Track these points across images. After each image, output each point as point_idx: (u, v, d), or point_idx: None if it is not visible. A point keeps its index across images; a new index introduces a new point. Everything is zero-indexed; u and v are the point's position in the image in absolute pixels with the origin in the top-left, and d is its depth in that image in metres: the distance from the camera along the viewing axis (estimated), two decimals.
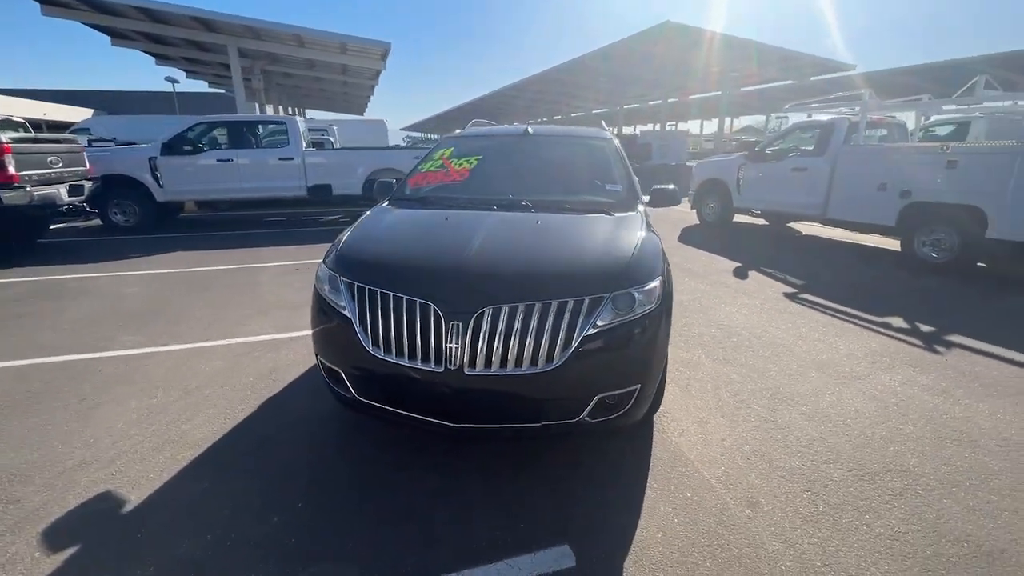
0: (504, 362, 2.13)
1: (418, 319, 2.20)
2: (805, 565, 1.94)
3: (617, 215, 2.98)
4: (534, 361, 2.13)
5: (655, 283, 2.37)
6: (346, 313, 2.38)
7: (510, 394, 2.17)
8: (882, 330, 4.38)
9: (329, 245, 2.88)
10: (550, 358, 2.13)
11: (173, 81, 27.49)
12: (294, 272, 6.28)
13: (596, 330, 2.17)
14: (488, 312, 2.14)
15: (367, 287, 2.35)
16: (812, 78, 25.83)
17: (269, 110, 21.63)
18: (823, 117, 8.23)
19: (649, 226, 2.91)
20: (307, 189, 9.38)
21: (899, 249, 6.77)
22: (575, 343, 2.14)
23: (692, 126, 52.65)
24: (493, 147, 3.80)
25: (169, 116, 23.50)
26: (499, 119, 52.25)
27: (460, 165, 3.62)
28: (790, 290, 5.57)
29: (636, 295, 2.28)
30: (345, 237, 2.81)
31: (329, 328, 2.49)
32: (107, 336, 4.16)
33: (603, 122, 4.60)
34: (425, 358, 2.19)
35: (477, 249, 2.43)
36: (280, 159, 9.08)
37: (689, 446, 2.69)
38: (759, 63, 23.63)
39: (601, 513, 2.21)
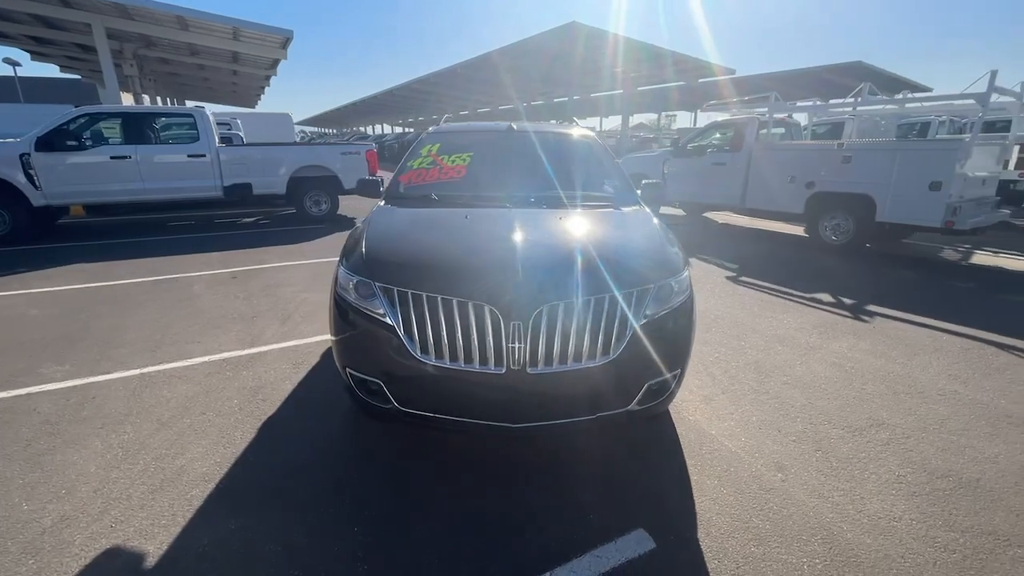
0: (564, 358, 2.15)
1: (473, 321, 2.14)
2: (844, 514, 2.20)
3: (625, 209, 3.10)
4: (592, 355, 2.18)
5: (687, 272, 2.52)
6: (387, 320, 2.24)
7: (570, 389, 2.19)
8: (816, 305, 4.99)
9: (338, 248, 2.69)
10: (606, 351, 2.19)
11: (14, 64, 23.31)
12: (231, 281, 5.69)
13: (645, 320, 2.27)
14: (545, 310, 2.14)
15: (410, 291, 2.23)
16: (700, 80, 28.33)
17: (146, 101, 19.12)
18: (719, 116, 9.10)
19: (659, 219, 3.07)
20: (223, 189, 8.50)
21: (805, 234, 7.74)
22: (628, 334, 2.22)
23: (591, 123, 55.17)
24: (482, 144, 3.74)
25: (13, 104, 19.92)
26: (404, 114, 50.87)
27: (453, 162, 3.53)
28: (730, 274, 6.13)
29: (673, 284, 2.41)
30: (366, 239, 2.62)
31: (362, 337, 2.34)
32: (23, 369, 3.50)
33: (575, 118, 4.71)
34: (483, 360, 2.14)
35: (520, 248, 2.40)
36: (189, 156, 8.12)
37: (707, 423, 2.89)
38: (656, 65, 25.41)
39: (658, 495, 2.32)
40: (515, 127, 3.89)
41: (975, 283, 5.80)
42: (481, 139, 3.84)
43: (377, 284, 2.32)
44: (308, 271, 6.12)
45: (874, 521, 2.16)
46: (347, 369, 2.43)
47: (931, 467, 2.52)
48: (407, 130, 49.26)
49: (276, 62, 18.74)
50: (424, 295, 2.21)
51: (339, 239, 8.00)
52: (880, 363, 3.69)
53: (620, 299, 2.23)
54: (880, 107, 8.51)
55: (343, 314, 2.42)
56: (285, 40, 15.24)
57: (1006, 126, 10.80)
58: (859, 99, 7.89)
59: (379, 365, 2.30)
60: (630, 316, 2.24)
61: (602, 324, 2.18)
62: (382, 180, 3.85)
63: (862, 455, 2.61)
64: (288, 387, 3.29)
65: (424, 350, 2.19)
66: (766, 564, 1.93)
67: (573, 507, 2.24)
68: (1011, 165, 9.86)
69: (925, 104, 8.41)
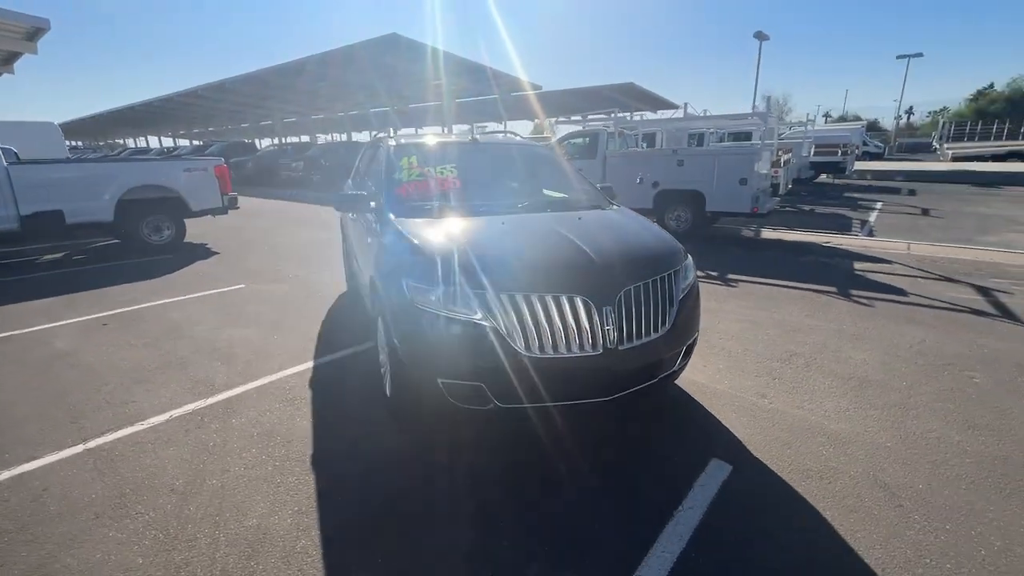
0: (641, 333, 2.57)
1: (568, 312, 2.42)
2: (817, 414, 3.06)
3: (613, 208, 3.62)
4: (656, 327, 2.64)
5: (689, 256, 3.15)
6: (486, 323, 2.37)
7: (647, 359, 2.62)
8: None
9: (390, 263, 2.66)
10: (665, 321, 2.67)
11: None
12: (106, 329, 4.63)
13: (683, 294, 2.82)
14: (622, 294, 2.53)
15: (505, 293, 2.39)
16: (512, 93, 30.86)
17: None
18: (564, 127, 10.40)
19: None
20: (19, 220, 6.62)
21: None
22: (676, 306, 2.74)
23: (407, 134, 55.17)
24: (458, 155, 3.86)
25: None
26: (192, 123, 43.89)
27: (442, 173, 3.60)
28: None
29: (688, 264, 3.01)
30: (429, 249, 2.63)
31: (456, 344, 2.41)
32: None
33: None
34: (582, 346, 2.43)
35: (581, 244, 2.71)
36: None
37: (710, 381, 3.55)
38: (473, 79, 26.88)
39: (704, 433, 2.89)
40: (478, 138, 4.11)
41: (775, 251, 7.86)
42: (453, 150, 3.96)
43: (470, 291, 2.41)
44: (209, 306, 5.28)
45: (837, 413, 3.07)
46: (438, 379, 2.45)
47: (839, 374, 3.60)
48: (194, 142, 42.56)
49: (15, 57, 14.70)
50: (520, 295, 2.40)
51: (211, 267, 6.96)
52: (764, 314, 4.91)
53: (667, 278, 2.74)
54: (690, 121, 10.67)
55: (428, 326, 2.44)
56: (33, 31, 12.10)
57: (747, 136, 14.58)
58: (680, 114, 9.81)
59: (480, 368, 2.41)
60: (674, 291, 2.76)
61: (661, 300, 2.66)
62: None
63: (799, 376, 3.58)
64: (304, 423, 3.01)
65: (528, 346, 2.38)
66: (798, 455, 2.64)
67: (656, 459, 2.67)
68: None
69: (712, 119, 10.79)
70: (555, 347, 2.40)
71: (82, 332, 4.57)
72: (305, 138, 41.53)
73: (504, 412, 2.48)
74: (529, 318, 2.38)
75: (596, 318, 2.43)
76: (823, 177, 18.32)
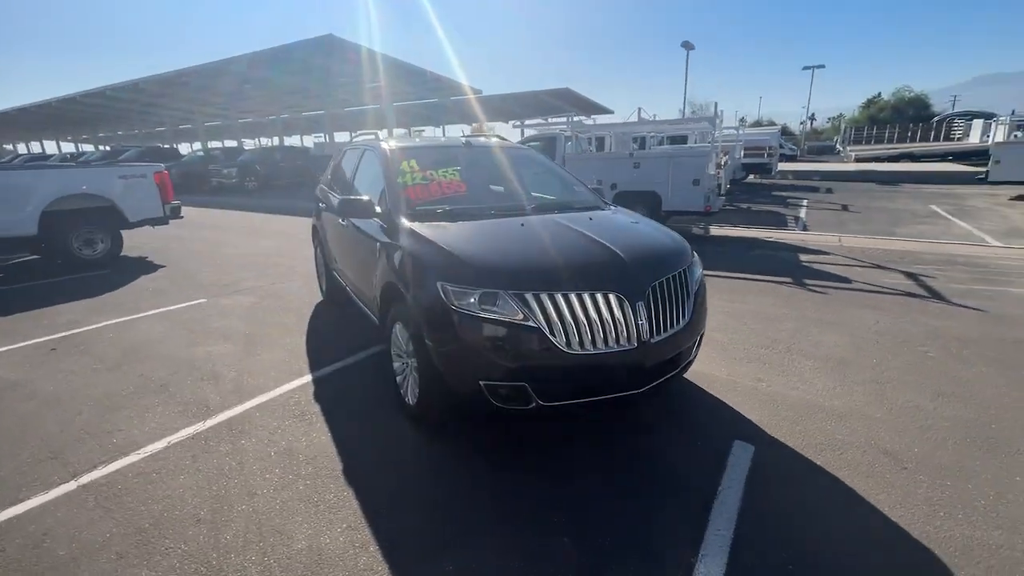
0: (667, 326, 2.69)
1: (604, 308, 2.50)
2: (813, 393, 3.33)
3: (613, 208, 3.73)
4: (678, 319, 2.77)
5: (695, 253, 3.32)
6: (528, 323, 2.39)
7: (673, 350, 2.74)
8: None
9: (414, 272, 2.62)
10: (685, 314, 2.82)
11: None
12: (55, 354, 4.17)
13: (697, 287, 2.98)
14: (649, 289, 2.64)
15: (545, 293, 2.43)
16: (452, 98, 30.74)
17: None
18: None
19: None
20: None
21: None
22: (692, 299, 2.89)
23: (342, 137, 53.37)
24: (457, 158, 3.83)
25: None
26: (98, 127, 40.05)
27: (446, 176, 3.56)
28: None
29: (697, 260, 3.18)
30: (459, 253, 2.61)
31: (498, 346, 2.42)
32: None
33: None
34: (618, 340, 2.52)
35: (606, 243, 2.79)
36: None
37: (708, 369, 3.71)
38: (412, 82, 26.53)
39: (719, 418, 3.07)
40: (471, 142, 4.11)
41: (727, 247, 8.39)
42: (451, 154, 3.92)
43: (509, 292, 2.42)
44: (170, 323, 4.87)
45: (827, 392, 3.35)
46: (480, 381, 2.45)
47: (818, 356, 3.92)
48: (102, 148, 38.81)
49: None
50: (558, 294, 2.44)
51: (159, 282, 6.43)
52: (738, 305, 5.25)
53: (684, 273, 2.88)
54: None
55: (468, 329, 2.42)
56: None
57: (684, 139, 15.44)
58: (634, 119, 10.21)
59: (523, 368, 2.43)
60: (690, 285, 2.91)
61: (681, 293, 2.79)
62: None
63: (784, 361, 3.86)
64: (322, 438, 2.88)
65: (569, 344, 2.43)
66: (807, 432, 2.86)
67: (683, 445, 2.81)
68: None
69: (665, 123, 11.33)
70: (594, 343, 2.47)
71: (28, 359, 4.09)
72: (231, 143, 39.15)
73: (547, 411, 2.51)
74: (569, 316, 2.43)
75: (630, 313, 2.52)
76: (751, 177, 19.74)
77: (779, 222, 10.67)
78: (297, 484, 2.49)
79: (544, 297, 2.42)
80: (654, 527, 2.19)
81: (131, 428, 3.02)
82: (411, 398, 2.97)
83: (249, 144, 40.98)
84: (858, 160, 26.63)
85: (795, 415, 3.07)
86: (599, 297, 2.49)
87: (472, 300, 2.43)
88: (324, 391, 3.46)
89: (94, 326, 4.83)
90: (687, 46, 27.50)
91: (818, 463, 2.60)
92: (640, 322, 2.54)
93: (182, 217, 8.42)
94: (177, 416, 3.15)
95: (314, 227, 5.55)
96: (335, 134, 30.56)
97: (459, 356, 2.48)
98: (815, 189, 16.66)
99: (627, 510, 2.30)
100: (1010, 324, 4.51)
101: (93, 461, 2.70)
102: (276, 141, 39.26)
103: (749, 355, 3.96)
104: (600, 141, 13.46)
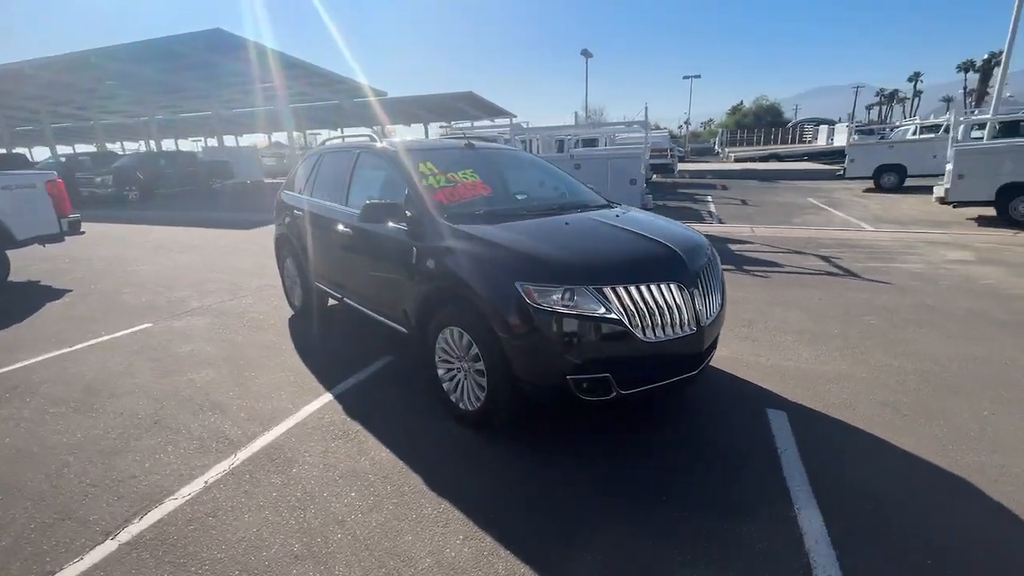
0: (714, 308, 2.94)
1: (668, 297, 2.68)
2: (819, 362, 3.80)
3: (622, 206, 3.93)
4: (718, 303, 3.04)
5: None
6: (610, 315, 2.50)
7: (715, 332, 3.00)
8: None
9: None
10: (721, 299, 3.09)
11: None
12: None
13: (722, 272, 3.27)
14: (698, 277, 2.87)
15: (621, 287, 2.55)
16: (354, 100, 29.50)
17: None
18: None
19: None
20: None
21: None
22: (722, 284, 3.18)
23: (227, 140, 48.58)
24: (469, 160, 3.77)
25: None
26: None
27: (469, 179, 3.52)
28: None
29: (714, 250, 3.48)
30: (533, 254, 2.63)
31: (584, 340, 2.50)
32: None
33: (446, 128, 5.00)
34: (683, 326, 2.71)
35: (652, 236, 2.97)
36: None
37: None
38: (311, 84, 25.07)
39: (748, 393, 3.40)
40: (472, 144, 4.09)
41: None
42: (461, 156, 3.86)
43: (590, 287, 2.51)
44: (122, 354, 4.23)
45: (816, 360, 3.85)
46: (567, 377, 2.50)
47: (792, 331, 4.47)
48: None
49: None
50: (631, 286, 2.58)
51: (74, 309, 5.52)
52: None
53: (716, 259, 3.16)
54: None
55: (553, 326, 2.47)
56: None
57: (594, 142, 16.38)
58: (576, 124, 10.61)
59: (607, 360, 2.53)
60: (719, 270, 3.19)
61: (716, 280, 3.06)
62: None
63: (768, 338, 4.35)
64: (383, 455, 2.74)
65: (644, 333, 2.58)
66: (819, 395, 3.29)
67: (724, 417, 3.08)
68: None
69: (599, 126, 11.95)
70: (664, 330, 2.63)
71: None
72: (86, 147, 34.04)
73: (623, 399, 2.63)
74: (643, 307, 2.57)
75: (689, 300, 2.73)
76: (655, 177, 21.41)
77: (696, 217, 11.74)
78: (385, 504, 2.36)
79: (620, 290, 2.54)
80: (743, 489, 2.41)
81: (147, 473, 2.63)
82: (468, 403, 2.93)
83: (112, 147, 35.91)
84: (737, 160, 30.07)
85: (801, 382, 3.50)
86: (663, 287, 2.66)
87: (555, 298, 2.48)
88: (354, 408, 3.26)
89: (21, 364, 4.05)
90: (586, 54, 29.08)
91: (841, 419, 3.01)
92: (698, 308, 2.75)
93: (83, 233, 7.27)
94: (197, 453, 2.80)
95: (280, 237, 5.12)
96: (222, 138, 27.86)
97: (543, 353, 2.51)
98: (713, 187, 18.51)
99: (710, 480, 2.50)
100: (913, 293, 5.45)
101: (121, 515, 2.32)
102: (149, 146, 34.89)
103: (736, 335, 4.39)
104: (527, 144, 13.84)
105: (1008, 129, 12.05)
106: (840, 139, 26.71)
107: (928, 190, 13.60)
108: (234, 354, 4.18)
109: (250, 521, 2.27)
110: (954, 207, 10.18)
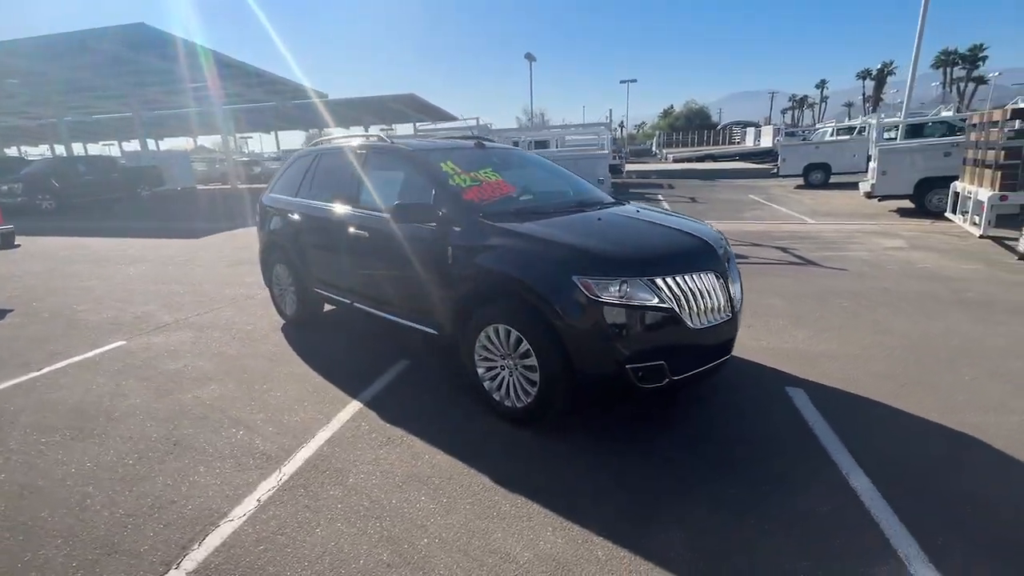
0: (739, 298, 3.12)
1: (708, 285, 2.83)
2: (819, 342, 4.11)
3: (630, 202, 4.07)
4: (740, 290, 3.23)
5: None
6: (663, 305, 2.62)
7: (739, 318, 3.18)
8: None
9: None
10: (741, 286, 3.29)
11: None
12: None
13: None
14: (727, 266, 3.05)
15: (669, 277, 2.67)
16: (293, 102, 28.27)
17: None
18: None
19: None
20: None
21: None
22: (738, 273, 3.39)
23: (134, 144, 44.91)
24: (485, 160, 3.77)
25: None
26: None
27: (489, 177, 3.51)
28: None
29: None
30: (586, 249, 2.69)
31: (642, 330, 2.61)
32: None
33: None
34: (721, 312, 2.87)
35: (682, 229, 3.11)
36: None
37: None
38: (247, 84, 23.78)
39: (760, 375, 3.62)
40: (482, 143, 4.09)
41: None
42: (476, 155, 3.84)
43: (643, 279, 2.60)
44: (104, 374, 3.86)
45: (808, 341, 4.16)
46: (627, 366, 2.58)
47: (780, 315, 4.80)
48: None
49: None
50: (678, 277, 2.70)
51: (25, 329, 4.99)
52: None
53: (731, 250, 3.36)
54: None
55: (612, 317, 2.55)
56: None
57: (544, 144, 16.72)
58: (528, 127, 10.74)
59: (662, 348, 2.65)
60: (734, 259, 3.40)
61: (735, 268, 3.26)
62: None
63: (758, 323, 4.65)
64: (440, 458, 2.70)
65: (692, 320, 2.71)
66: (824, 372, 3.57)
67: (749, 397, 3.28)
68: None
69: (566, 128, 12.15)
70: (707, 317, 2.78)
71: None
72: None
73: (672, 385, 2.74)
74: (689, 295, 2.70)
75: (724, 287, 2.90)
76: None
77: None
78: (460, 505, 2.33)
79: (668, 280, 2.65)
80: (792, 462, 2.60)
81: (186, 497, 2.44)
82: (516, 400, 2.94)
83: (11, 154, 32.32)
84: (675, 161, 31.64)
85: (804, 362, 3.78)
86: (703, 276, 2.81)
87: (612, 290, 2.55)
88: (389, 413, 3.18)
89: None
90: (529, 58, 29.51)
91: (852, 392, 3.29)
92: (732, 294, 2.93)
93: (17, 246, 6.53)
94: (235, 471, 2.63)
95: (268, 244, 4.87)
96: (145, 141, 25.77)
97: (603, 344, 2.58)
98: (660, 186, 19.35)
99: (760, 455, 2.67)
100: (868, 278, 6.01)
101: (176, 543, 2.15)
102: (55, 150, 31.68)
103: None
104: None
105: (914, 131, 13.50)
106: (766, 140, 28.80)
107: (849, 186, 14.98)
108: (234, 367, 3.93)
109: (325, 535, 2.17)
110: (879, 200, 11.26)
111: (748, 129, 33.66)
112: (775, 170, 17.77)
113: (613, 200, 4.01)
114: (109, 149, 44.66)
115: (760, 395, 3.32)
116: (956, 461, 2.57)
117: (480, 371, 3.09)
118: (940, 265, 6.49)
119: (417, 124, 38.33)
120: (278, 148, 42.72)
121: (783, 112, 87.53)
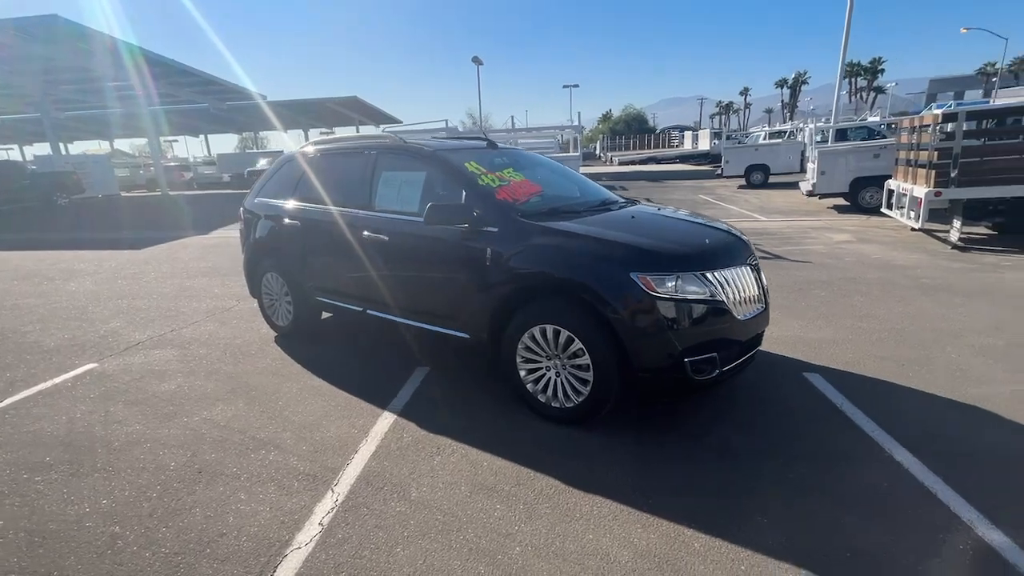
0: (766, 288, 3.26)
1: (748, 278, 2.94)
2: (810, 334, 4.36)
3: (641, 200, 4.15)
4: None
5: None
6: (716, 298, 2.70)
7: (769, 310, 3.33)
8: None
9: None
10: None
11: None
12: None
13: None
14: (757, 260, 3.18)
15: (716, 271, 2.75)
16: (227, 103, 26.67)
17: None
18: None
19: None
20: None
21: None
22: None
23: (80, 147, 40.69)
24: (507, 160, 3.73)
25: None
26: None
27: (516, 177, 3.48)
28: None
29: None
30: (640, 246, 2.71)
31: (698, 323, 2.67)
32: None
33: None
34: (757, 304, 3.00)
35: (711, 225, 3.21)
36: None
37: None
38: (178, 84, 22.21)
39: (775, 362, 3.80)
40: (495, 144, 4.04)
41: None
42: (496, 156, 3.77)
43: (696, 273, 2.67)
44: (85, 402, 3.46)
45: (804, 328, 4.41)
46: (684, 359, 2.63)
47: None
48: None
49: None
50: (724, 271, 2.80)
51: None
52: None
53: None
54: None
55: (673, 311, 2.60)
56: None
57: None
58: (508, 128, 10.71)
59: (715, 340, 2.73)
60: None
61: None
62: None
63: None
64: (499, 463, 2.63)
65: (738, 312, 2.81)
66: (830, 357, 3.80)
67: (773, 384, 3.44)
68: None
69: (534, 130, 12.15)
70: (748, 308, 2.88)
71: None
72: None
73: (720, 376, 2.81)
74: (735, 288, 2.80)
75: (758, 280, 3.02)
76: None
77: None
78: (540, 510, 2.28)
79: (717, 274, 2.74)
80: (834, 442, 2.74)
81: (236, 528, 2.23)
82: (565, 400, 2.91)
83: None
84: (621, 163, 32.67)
85: (808, 348, 4.01)
86: (742, 269, 2.92)
87: (669, 285, 2.59)
88: (429, 422, 3.06)
89: None
90: (476, 61, 29.49)
91: (863, 374, 3.53)
92: (764, 286, 3.06)
93: None
94: (283, 495, 2.43)
95: (257, 251, 4.54)
96: (57, 145, 23.40)
97: (663, 338, 2.61)
98: (613, 187, 19.85)
99: (800, 436, 2.79)
100: (832, 269, 6.47)
101: (253, 569, 1.95)
102: None
103: None
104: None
105: (841, 135, 14.73)
106: (703, 143, 30.34)
107: (786, 185, 16.09)
108: (238, 385, 3.64)
109: (409, 554, 2.05)
110: (820, 198, 12.18)
111: (686, 133, 35.53)
112: (719, 171, 18.75)
113: (624, 199, 4.08)
114: (8, 153, 40.23)
115: (783, 381, 3.48)
116: (977, 429, 2.81)
117: (522, 373, 3.04)
118: (889, 256, 7.10)
119: (383, 127, 37.36)
120: (208, 152, 40.15)
121: (711, 117, 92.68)
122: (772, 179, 17.58)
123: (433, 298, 3.40)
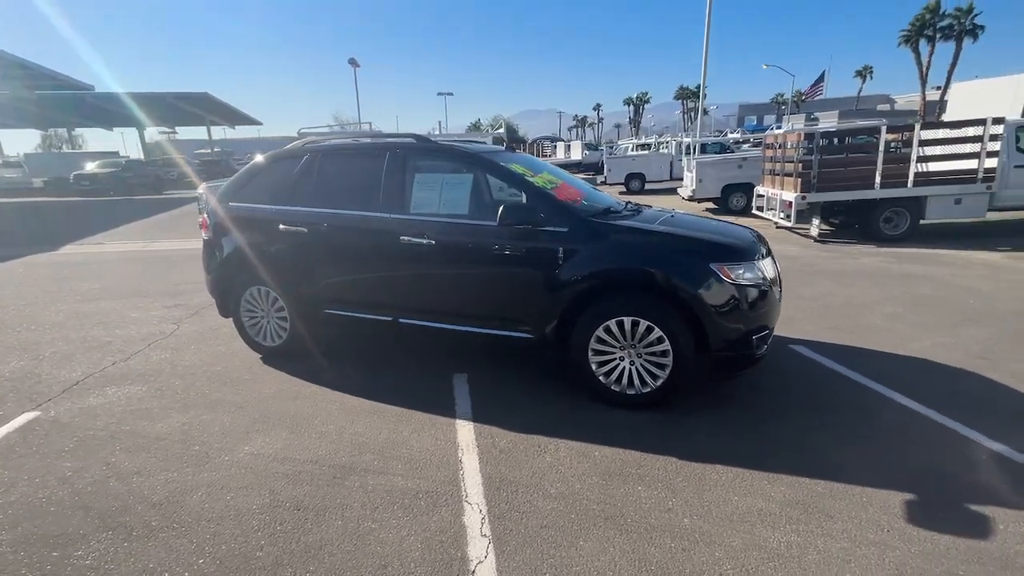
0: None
1: (771, 266, 3.45)
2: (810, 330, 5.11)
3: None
4: None
5: None
6: (766, 282, 3.14)
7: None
8: None
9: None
10: None
11: None
12: None
13: None
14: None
15: (760, 260, 3.19)
16: (38, 92, 21.98)
17: None
18: None
19: None
20: None
21: None
22: None
23: None
24: (532, 163, 3.80)
25: None
26: None
27: (557, 180, 3.59)
28: None
29: None
30: (711, 240, 3.07)
31: (756, 305, 3.07)
32: None
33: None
34: (778, 286, 3.51)
35: (733, 223, 3.67)
36: None
37: None
38: None
39: (790, 355, 4.42)
40: (514, 149, 4.09)
41: None
42: (521, 159, 3.81)
43: (752, 262, 3.09)
44: (77, 457, 2.74)
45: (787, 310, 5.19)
46: (753, 337, 3.02)
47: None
48: None
49: None
50: (763, 260, 3.25)
51: None
52: None
53: None
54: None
55: (747, 295, 2.99)
56: None
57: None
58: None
59: (769, 320, 3.16)
60: None
61: None
62: None
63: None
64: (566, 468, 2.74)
65: (775, 295, 3.28)
66: (810, 331, 4.56)
67: (794, 375, 4.03)
68: None
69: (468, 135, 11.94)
70: (778, 292, 3.38)
71: None
72: None
73: (763, 354, 3.25)
74: (769, 274, 3.27)
75: (775, 268, 3.55)
76: None
77: None
78: (678, 484, 2.45)
79: (763, 263, 3.18)
80: (847, 396, 3.34)
81: (401, 555, 2.03)
82: (639, 386, 3.12)
83: None
84: None
85: (781, 324, 4.74)
86: (769, 259, 3.41)
87: (739, 272, 2.96)
88: (508, 423, 3.03)
89: None
90: (353, 63, 28.18)
91: (831, 342, 4.29)
92: (778, 274, 3.60)
93: None
94: (413, 517, 2.26)
95: (236, 264, 3.97)
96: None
97: (739, 320, 2.96)
98: None
99: (819, 393, 3.36)
100: (793, 259, 7.60)
101: None
102: None
103: None
104: None
105: (702, 149, 17.14)
106: (576, 154, 32.66)
107: (661, 191, 18.20)
108: (262, 414, 3.20)
109: (593, 545, 2.08)
110: (698, 202, 14.04)
111: (558, 143, 38.02)
112: (603, 179, 20.48)
113: (634, 204, 4.45)
114: None
115: (783, 354, 4.07)
116: (942, 374, 3.64)
117: (592, 366, 3.17)
118: (775, 248, 8.53)
119: (211, 128, 33.20)
120: None
121: (569, 129, 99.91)
122: (648, 186, 19.74)
123: (490, 300, 3.36)
